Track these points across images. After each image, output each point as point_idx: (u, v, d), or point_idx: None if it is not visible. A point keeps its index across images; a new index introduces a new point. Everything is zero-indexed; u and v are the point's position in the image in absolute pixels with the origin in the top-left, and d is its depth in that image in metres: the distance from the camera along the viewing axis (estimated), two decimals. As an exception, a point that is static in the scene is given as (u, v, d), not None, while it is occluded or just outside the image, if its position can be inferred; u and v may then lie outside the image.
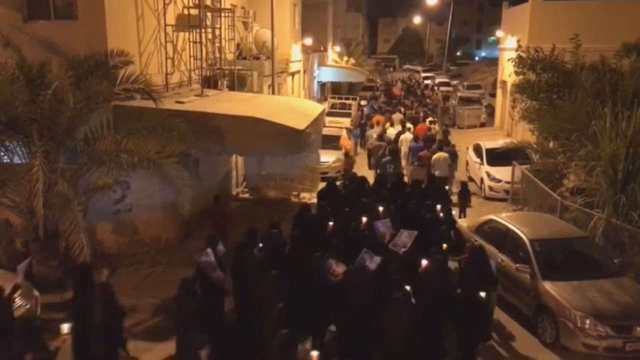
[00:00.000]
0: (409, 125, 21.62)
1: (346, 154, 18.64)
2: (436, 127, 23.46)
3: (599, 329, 8.05)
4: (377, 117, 24.52)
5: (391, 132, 20.72)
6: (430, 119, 25.00)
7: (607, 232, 10.39)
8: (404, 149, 17.89)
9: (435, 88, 45.46)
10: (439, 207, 11.18)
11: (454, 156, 16.52)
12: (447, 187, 14.61)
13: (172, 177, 9.30)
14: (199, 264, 8.15)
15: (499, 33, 29.88)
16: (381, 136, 19.00)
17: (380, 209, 10.70)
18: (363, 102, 32.38)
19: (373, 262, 8.01)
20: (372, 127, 22.02)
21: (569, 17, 19.70)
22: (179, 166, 9.28)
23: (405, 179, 14.80)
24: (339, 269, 8.08)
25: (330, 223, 10.25)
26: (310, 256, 8.15)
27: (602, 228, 10.36)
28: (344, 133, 20.21)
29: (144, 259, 11.27)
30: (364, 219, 10.10)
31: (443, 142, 17.25)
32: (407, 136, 18.85)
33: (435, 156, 15.67)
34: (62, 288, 9.59)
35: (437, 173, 14.91)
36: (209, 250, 8.29)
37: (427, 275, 8.13)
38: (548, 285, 8.79)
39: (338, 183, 14.49)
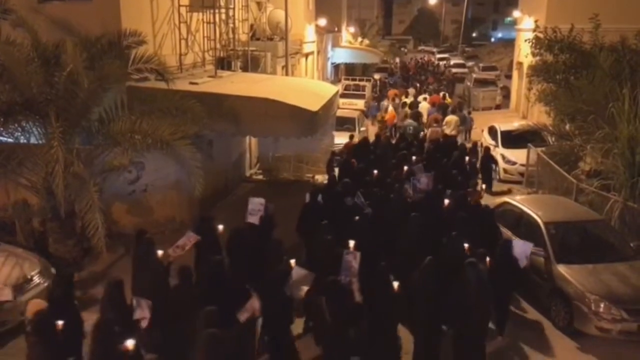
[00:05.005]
0: (424, 96, 25.99)
1: (383, 122, 21.98)
2: (448, 99, 26.22)
3: (614, 313, 8.01)
4: (393, 91, 27.79)
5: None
6: (442, 92, 27.87)
7: (623, 216, 10.29)
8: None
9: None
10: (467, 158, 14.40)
11: (464, 120, 20.53)
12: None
13: (184, 158, 9.33)
14: (351, 204, 10.00)
15: (516, 13, 29.36)
16: (403, 104, 22.93)
17: (414, 158, 13.71)
18: (376, 76, 36.40)
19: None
20: (388, 99, 25.31)
21: (588, -4, 19.24)
22: (191, 148, 9.29)
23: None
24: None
25: (375, 171, 12.27)
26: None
27: (618, 211, 10.27)
28: (390, 107, 22.70)
29: (159, 239, 11.30)
30: (405, 168, 12.66)
31: (456, 108, 21.74)
32: (425, 104, 22.79)
33: (447, 118, 19.55)
34: (78, 267, 9.74)
35: (447, 132, 18.40)
36: (358, 192, 10.19)
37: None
38: (562, 269, 8.75)
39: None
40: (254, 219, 9.30)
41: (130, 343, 5.90)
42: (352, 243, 8.35)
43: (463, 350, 7.20)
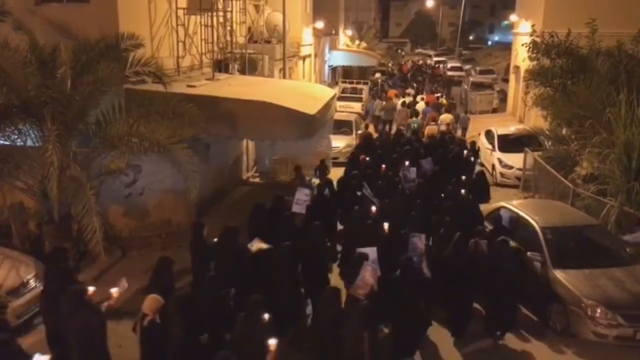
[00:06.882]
0: (422, 96, 28.12)
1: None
2: (443, 100, 27.75)
3: (610, 318, 8.02)
4: (393, 91, 29.50)
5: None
6: (437, 94, 29.56)
7: (619, 220, 10.32)
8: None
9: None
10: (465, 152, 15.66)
11: (457, 118, 22.50)
12: None
13: (181, 162, 9.32)
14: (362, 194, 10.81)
15: (513, 17, 29.41)
16: (403, 104, 24.58)
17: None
18: (377, 75, 38.44)
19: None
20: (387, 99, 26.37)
21: (585, 1, 19.29)
22: (188, 151, 9.28)
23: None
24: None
25: (383, 166, 13.22)
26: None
27: (614, 216, 10.30)
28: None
29: (155, 242, 11.34)
30: (407, 162, 13.30)
31: (450, 108, 23.38)
32: (422, 104, 24.80)
33: (442, 117, 21.31)
34: (75, 270, 9.68)
35: (442, 128, 19.91)
36: (364, 184, 11.07)
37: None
38: (559, 274, 8.75)
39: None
40: (300, 209, 9.78)
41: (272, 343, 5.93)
42: (386, 225, 9.19)
43: (496, 312, 8.37)
